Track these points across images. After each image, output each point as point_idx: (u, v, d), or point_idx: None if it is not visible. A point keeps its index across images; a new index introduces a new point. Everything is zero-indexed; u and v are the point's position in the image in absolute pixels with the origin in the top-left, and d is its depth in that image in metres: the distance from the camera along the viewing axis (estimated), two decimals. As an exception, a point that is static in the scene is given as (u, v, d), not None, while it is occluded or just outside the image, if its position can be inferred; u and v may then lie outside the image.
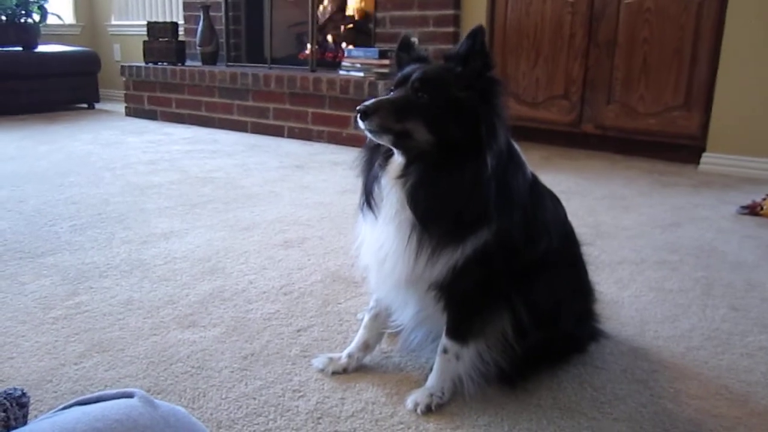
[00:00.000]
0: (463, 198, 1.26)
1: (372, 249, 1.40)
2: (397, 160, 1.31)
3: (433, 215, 1.28)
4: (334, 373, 1.50)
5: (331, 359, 1.52)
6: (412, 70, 1.32)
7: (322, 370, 1.50)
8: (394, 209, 1.31)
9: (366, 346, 1.54)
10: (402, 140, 1.27)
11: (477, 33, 1.28)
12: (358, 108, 1.25)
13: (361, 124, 1.26)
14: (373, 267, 1.42)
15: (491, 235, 1.29)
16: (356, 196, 1.46)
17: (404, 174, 1.29)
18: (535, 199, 1.42)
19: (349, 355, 1.53)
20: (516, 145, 1.37)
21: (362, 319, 1.59)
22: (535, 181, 1.44)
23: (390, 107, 1.26)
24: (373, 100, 1.26)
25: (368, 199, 1.37)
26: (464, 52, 1.29)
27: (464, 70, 1.28)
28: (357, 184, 1.44)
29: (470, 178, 1.25)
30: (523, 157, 1.39)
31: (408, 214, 1.29)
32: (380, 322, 1.54)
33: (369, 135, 1.29)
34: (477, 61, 1.28)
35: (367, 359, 1.56)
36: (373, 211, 1.36)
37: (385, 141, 1.29)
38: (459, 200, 1.26)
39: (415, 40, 1.38)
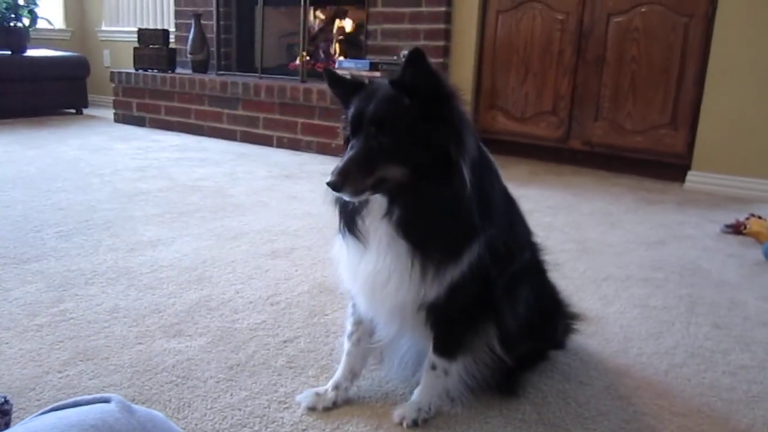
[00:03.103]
0: (451, 215, 1.24)
1: (363, 273, 1.33)
2: (377, 199, 1.26)
3: (428, 239, 1.25)
4: (324, 409, 1.40)
5: (317, 395, 1.43)
6: (362, 108, 1.24)
7: (312, 409, 1.40)
8: (385, 242, 1.27)
9: (352, 374, 1.47)
10: (379, 187, 1.22)
11: (417, 58, 1.18)
12: (327, 182, 1.19)
13: (335, 194, 1.23)
14: (364, 291, 1.36)
15: (482, 246, 1.28)
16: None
17: (389, 212, 1.25)
18: (511, 207, 1.45)
19: (336, 387, 1.45)
20: (486, 150, 1.35)
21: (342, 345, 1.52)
22: (507, 190, 1.44)
23: (357, 168, 1.20)
24: (338, 168, 1.19)
25: (351, 228, 1.32)
26: (410, 82, 1.21)
27: (415, 100, 1.21)
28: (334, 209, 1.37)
29: (452, 194, 1.22)
30: (495, 162, 1.37)
31: (403, 244, 1.25)
32: (363, 346, 1.49)
33: (348, 200, 1.25)
34: (426, 88, 1.21)
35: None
36: (358, 239, 1.31)
37: (365, 197, 1.24)
38: (447, 218, 1.25)
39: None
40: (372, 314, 1.43)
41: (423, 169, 1.21)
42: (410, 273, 1.27)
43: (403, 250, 1.26)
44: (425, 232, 1.25)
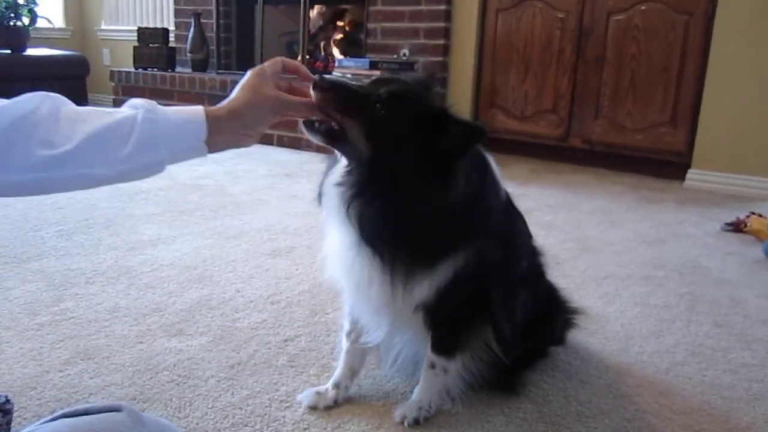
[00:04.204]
0: (428, 227, 1.20)
1: (342, 268, 1.32)
2: (341, 162, 1.23)
3: (384, 242, 1.20)
4: (326, 408, 1.40)
5: (318, 393, 1.43)
6: (392, 81, 1.22)
7: (313, 408, 1.40)
8: (336, 217, 1.23)
9: (352, 372, 1.47)
10: (336, 139, 1.18)
11: (478, 136, 1.16)
12: (317, 75, 1.14)
13: (312, 93, 1.15)
14: (349, 289, 1.36)
15: (472, 255, 1.25)
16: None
17: (343, 182, 1.21)
18: (513, 217, 1.44)
19: (336, 385, 1.44)
20: (491, 161, 1.32)
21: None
22: (508, 198, 1.42)
23: (341, 96, 1.15)
24: (334, 78, 1.13)
25: (320, 196, 1.30)
26: (447, 129, 1.15)
27: (431, 135, 1.15)
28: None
29: (431, 207, 1.18)
30: (498, 173, 1.34)
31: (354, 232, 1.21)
32: (361, 344, 1.48)
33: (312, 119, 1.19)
34: (452, 146, 1.15)
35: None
36: (319, 199, 1.30)
37: (320, 132, 1.19)
38: (425, 229, 1.20)
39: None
40: (360, 312, 1.42)
41: (387, 168, 1.16)
42: (378, 276, 1.24)
43: (362, 249, 1.22)
44: (383, 235, 1.20)
